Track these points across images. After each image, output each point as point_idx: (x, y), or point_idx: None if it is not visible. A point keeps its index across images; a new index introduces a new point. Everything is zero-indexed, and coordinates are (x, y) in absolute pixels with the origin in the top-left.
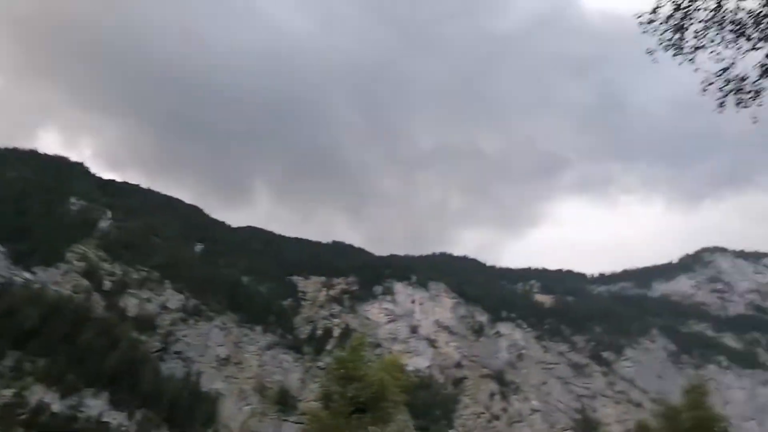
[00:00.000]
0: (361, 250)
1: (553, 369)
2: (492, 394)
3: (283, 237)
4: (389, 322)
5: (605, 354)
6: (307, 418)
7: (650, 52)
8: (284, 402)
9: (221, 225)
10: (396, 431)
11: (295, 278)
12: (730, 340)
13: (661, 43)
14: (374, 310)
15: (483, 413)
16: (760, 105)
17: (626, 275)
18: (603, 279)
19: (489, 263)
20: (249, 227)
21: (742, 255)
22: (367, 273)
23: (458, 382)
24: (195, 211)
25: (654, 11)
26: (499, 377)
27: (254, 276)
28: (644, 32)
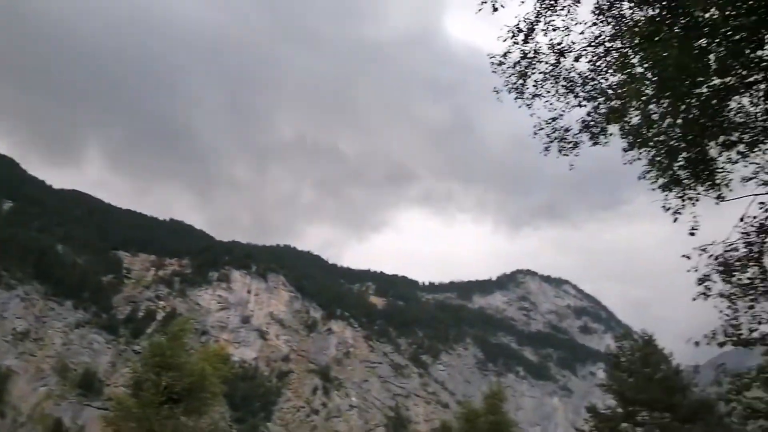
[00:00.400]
0: (201, 233)
1: (377, 368)
2: (315, 389)
3: (113, 207)
4: (221, 309)
5: (424, 357)
6: (112, 405)
7: (496, 91)
8: (88, 386)
9: (39, 183)
10: (210, 424)
11: (120, 253)
12: (528, 353)
13: (507, 85)
14: (206, 296)
15: (303, 407)
16: (577, 155)
17: (452, 286)
18: (432, 288)
19: (331, 261)
20: (73, 191)
21: (547, 279)
22: (204, 257)
23: (283, 375)
24: (7, 162)
25: (504, 55)
26: (324, 373)
27: (72, 245)
28: (494, 72)
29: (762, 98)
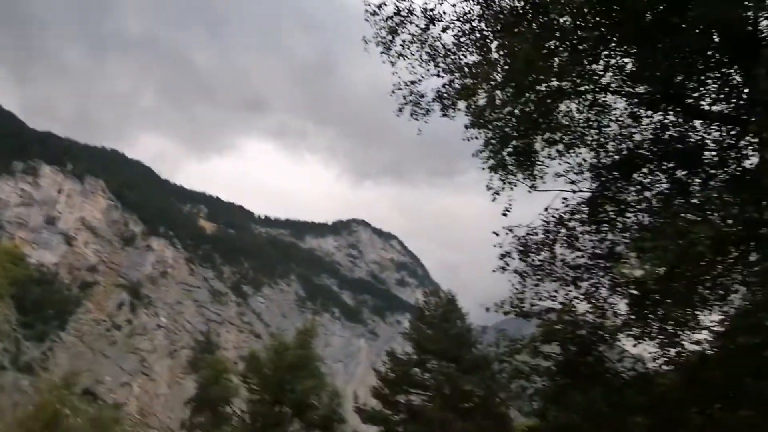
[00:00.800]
0: (8, 115)
1: (194, 292)
2: (121, 305)
3: None
4: (22, 205)
5: (245, 287)
6: None
7: (365, 41)
8: None
9: None
10: None
11: None
12: (347, 297)
13: (376, 38)
14: (6, 188)
15: (104, 321)
16: (426, 122)
17: (287, 224)
18: (267, 222)
19: (163, 176)
20: None
21: (378, 232)
22: (10, 144)
23: (87, 286)
24: None
25: (379, 6)
26: (134, 289)
27: None
28: (366, 20)
29: (587, 107)
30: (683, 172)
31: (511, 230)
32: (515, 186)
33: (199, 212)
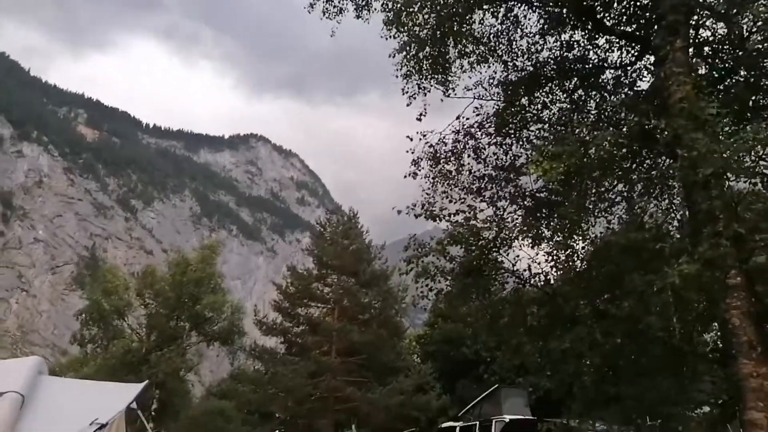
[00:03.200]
0: None
1: (75, 204)
2: None
3: None
4: None
5: (134, 201)
6: None
7: None
8: None
9: None
10: None
11: None
12: (245, 215)
13: None
14: None
15: None
16: (339, 23)
17: (179, 135)
18: (157, 131)
19: (33, 73)
20: None
21: (278, 149)
22: None
23: None
24: None
25: None
26: (5, 200)
27: None
28: None
29: (502, 18)
30: (581, 92)
31: (424, 135)
32: (429, 91)
33: (77, 117)
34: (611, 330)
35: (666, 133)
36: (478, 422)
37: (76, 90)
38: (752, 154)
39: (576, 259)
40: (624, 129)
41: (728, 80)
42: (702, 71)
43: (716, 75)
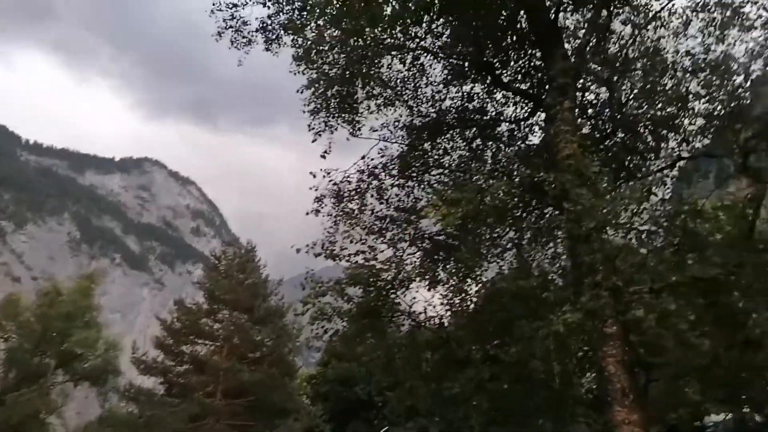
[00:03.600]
0: None
1: None
2: None
3: None
4: None
5: (4, 223)
6: None
7: None
8: None
9: None
10: None
11: None
12: (132, 242)
13: None
14: None
15: None
16: (247, 53)
17: (64, 154)
18: (38, 149)
19: None
20: None
21: (174, 175)
22: None
23: None
24: None
25: None
26: None
27: None
28: None
29: (409, 65)
30: (479, 141)
31: (328, 173)
32: (335, 129)
33: None
34: (499, 374)
35: (554, 186)
36: None
37: None
38: (628, 210)
39: (469, 302)
40: (516, 180)
41: (608, 141)
42: (586, 131)
43: (598, 135)
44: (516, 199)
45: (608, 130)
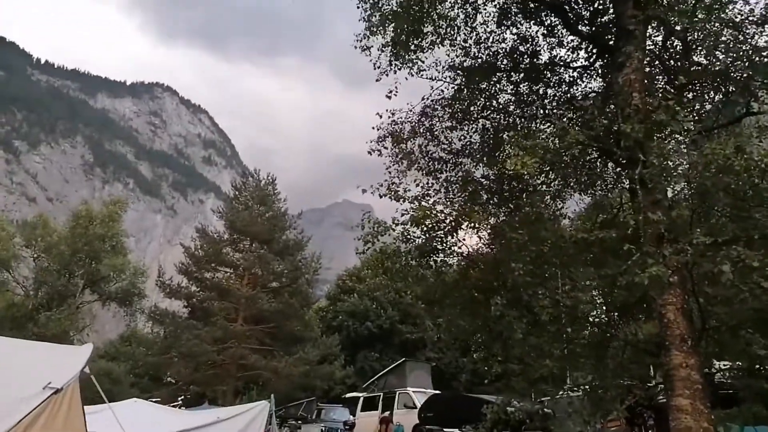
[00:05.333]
0: None
1: None
2: None
3: None
4: None
5: (17, 143)
6: None
7: None
8: None
9: None
10: None
11: None
12: (144, 169)
13: None
14: None
15: None
16: None
17: (74, 75)
18: (49, 68)
19: None
20: None
21: (186, 103)
22: None
23: None
24: None
25: None
26: None
27: None
28: None
29: (461, 4)
30: (526, 85)
31: (393, 113)
32: (399, 69)
33: None
34: (559, 317)
35: (631, 136)
36: (381, 393)
37: None
38: (713, 166)
39: (528, 246)
40: (592, 131)
41: (680, 91)
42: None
43: (669, 86)
44: (592, 149)
45: (678, 81)
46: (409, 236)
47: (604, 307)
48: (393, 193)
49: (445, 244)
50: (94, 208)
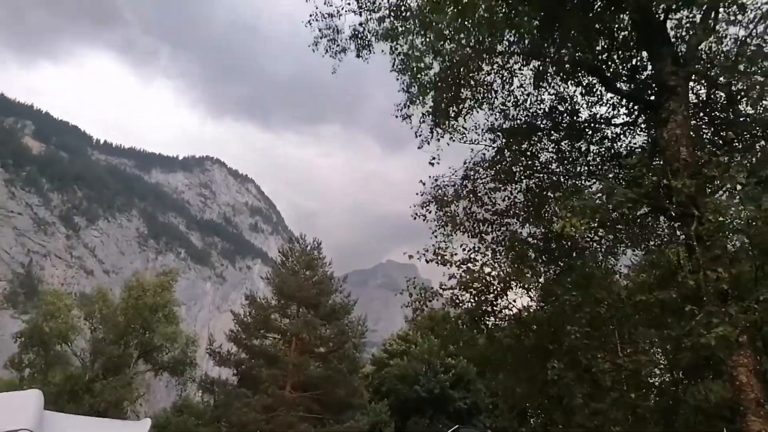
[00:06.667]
0: None
1: (14, 218)
2: None
3: None
4: None
5: (77, 219)
6: None
7: None
8: None
9: None
10: None
11: None
12: (195, 239)
13: None
14: None
15: None
16: (341, 60)
17: (131, 153)
18: (107, 148)
19: None
20: None
21: (233, 173)
22: None
23: None
24: None
25: None
26: None
27: None
28: None
29: (498, 67)
30: (567, 143)
31: (436, 179)
32: (442, 136)
33: (23, 128)
34: (621, 382)
35: (682, 192)
36: None
37: (24, 100)
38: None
39: (582, 309)
40: (642, 187)
41: (728, 144)
42: (701, 134)
43: (715, 138)
44: (643, 206)
45: (725, 133)
46: (458, 300)
47: (669, 371)
48: (440, 257)
49: (495, 307)
50: (147, 278)
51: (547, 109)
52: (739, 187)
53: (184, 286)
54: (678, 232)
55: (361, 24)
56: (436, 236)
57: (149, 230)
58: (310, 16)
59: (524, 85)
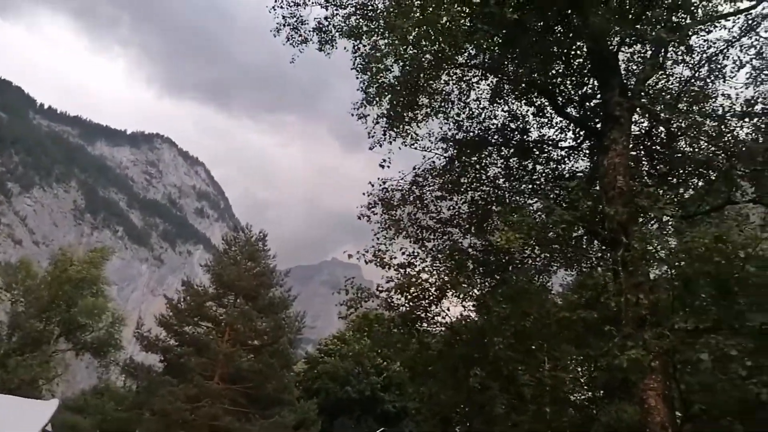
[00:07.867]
0: None
1: None
2: None
3: None
4: None
5: (10, 184)
6: None
7: None
8: None
9: None
10: None
11: None
12: (135, 217)
13: None
14: None
15: None
16: (302, 51)
17: (75, 121)
18: (51, 113)
19: None
20: None
21: (183, 154)
22: None
23: None
24: None
25: None
26: None
27: None
28: None
29: (457, 79)
30: (515, 160)
31: (384, 182)
32: (394, 139)
33: None
34: (539, 396)
35: (614, 219)
36: None
37: None
38: (694, 252)
39: (510, 321)
40: (578, 211)
41: (664, 177)
42: (638, 164)
43: (652, 171)
44: (578, 228)
45: (661, 167)
46: (393, 303)
47: (587, 389)
48: (379, 259)
49: (429, 313)
50: (78, 253)
51: (499, 125)
52: (667, 219)
53: (117, 266)
54: (608, 256)
55: (326, 18)
56: (378, 238)
57: (87, 204)
58: (276, 1)
59: (480, 99)
